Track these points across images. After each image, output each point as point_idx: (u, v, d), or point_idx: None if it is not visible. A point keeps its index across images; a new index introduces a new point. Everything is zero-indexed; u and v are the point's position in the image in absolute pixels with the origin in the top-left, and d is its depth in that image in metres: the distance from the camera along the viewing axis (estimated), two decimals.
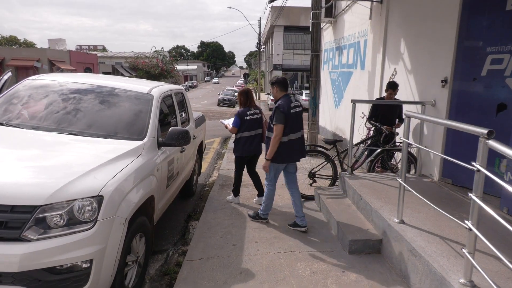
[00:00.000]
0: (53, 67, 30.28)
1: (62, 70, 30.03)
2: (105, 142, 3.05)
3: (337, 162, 5.10)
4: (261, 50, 45.06)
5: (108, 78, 4.29)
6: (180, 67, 75.38)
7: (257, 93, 38.46)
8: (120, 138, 3.18)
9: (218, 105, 30.35)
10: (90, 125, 3.26)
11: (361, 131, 6.17)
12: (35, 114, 3.34)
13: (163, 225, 4.49)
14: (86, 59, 35.07)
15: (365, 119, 5.80)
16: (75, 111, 3.38)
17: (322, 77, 11.10)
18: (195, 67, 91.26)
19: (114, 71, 42.13)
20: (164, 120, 3.96)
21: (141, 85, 3.98)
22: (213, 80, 68.10)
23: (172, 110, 4.20)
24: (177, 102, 4.36)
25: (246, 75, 36.74)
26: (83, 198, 2.34)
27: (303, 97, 25.99)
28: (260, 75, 42.78)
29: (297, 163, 4.05)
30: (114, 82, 3.89)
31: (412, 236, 3.06)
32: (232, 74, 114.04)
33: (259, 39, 38.78)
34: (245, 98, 4.60)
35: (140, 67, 44.89)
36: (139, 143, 3.15)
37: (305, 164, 5.10)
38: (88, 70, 31.74)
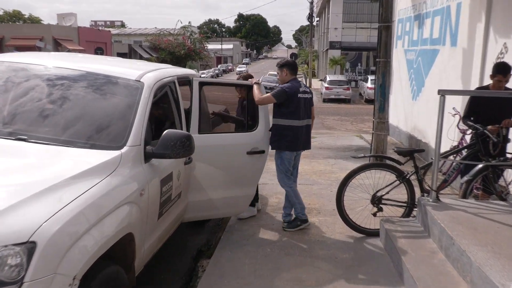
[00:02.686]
0: (58, 47, 31.61)
1: (69, 51, 31.30)
2: (58, 152, 2.75)
3: (415, 181, 4.69)
4: (314, 23, 44.47)
5: (86, 58, 4.16)
6: (212, 46, 76.62)
7: (308, 79, 38.02)
8: (86, 146, 2.88)
9: None
10: (39, 126, 3.01)
11: (452, 135, 5.69)
12: None
13: (161, 265, 4.28)
14: (98, 37, 36.42)
15: (457, 118, 5.53)
16: (18, 106, 3.15)
17: (395, 58, 10.85)
18: (230, 46, 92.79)
19: (131, 52, 43.44)
20: (160, 121, 3.82)
21: (130, 69, 3.79)
22: (237, 69, 62.12)
23: (174, 105, 3.94)
24: (176, 94, 4.06)
25: (293, 56, 36.36)
26: (4, 246, 1.93)
27: (369, 84, 25.59)
28: (311, 56, 42.28)
29: (357, 179, 4.57)
30: (90, 65, 3.68)
31: None
32: (273, 57, 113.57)
33: (311, 9, 38.37)
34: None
35: (163, 47, 46.00)
36: (113, 154, 2.84)
37: (366, 180, 4.75)
38: (99, 50, 32.83)
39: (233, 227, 4.89)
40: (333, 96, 26.45)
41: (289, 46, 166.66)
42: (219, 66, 67.11)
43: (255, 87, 4.63)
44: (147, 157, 3.08)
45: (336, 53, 37.97)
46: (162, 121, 4.00)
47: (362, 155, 4.77)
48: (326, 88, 26.76)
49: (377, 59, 7.94)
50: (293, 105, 4.59)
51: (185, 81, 4.74)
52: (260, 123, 4.54)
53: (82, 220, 2.27)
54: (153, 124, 3.76)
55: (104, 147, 2.88)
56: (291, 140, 4.62)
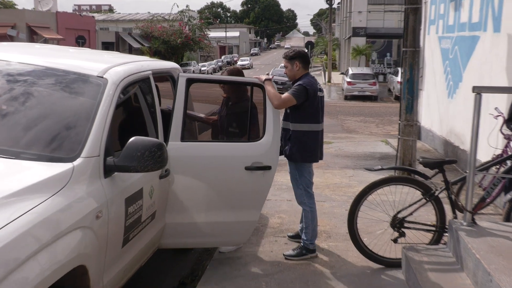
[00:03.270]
0: (33, 36, 31.92)
1: (46, 40, 31.57)
2: None
3: (445, 199, 4.57)
4: (334, 6, 44.43)
5: (44, 49, 4.22)
6: (214, 34, 77.02)
7: (327, 73, 37.95)
8: (29, 157, 2.82)
9: None
10: None
11: (495, 141, 5.56)
12: None
13: None
14: (79, 24, 36.80)
15: (501, 120, 5.46)
16: None
17: (427, 47, 10.88)
18: (236, 33, 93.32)
19: (119, 41, 43.85)
20: (130, 126, 3.79)
21: (95, 62, 3.79)
22: (239, 62, 58.28)
23: (147, 107, 3.90)
24: (151, 93, 4.01)
25: (309, 45, 36.24)
26: None
27: (399, 78, 25.42)
28: (331, 45, 42.23)
29: (374, 196, 4.55)
30: (45, 58, 3.66)
31: None
32: (286, 46, 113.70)
33: None
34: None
35: (156, 35, 46.35)
36: (63, 167, 2.78)
37: (385, 197, 4.66)
38: (81, 39, 33.08)
39: (223, 255, 4.82)
40: (356, 93, 26.41)
41: (305, 33, 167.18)
42: (222, 57, 67.35)
43: (269, 86, 4.41)
44: (108, 170, 3.02)
45: (360, 41, 37.85)
46: (132, 126, 3.93)
47: (379, 167, 4.62)
48: (348, 83, 26.71)
49: (403, 48, 7.86)
50: (313, 106, 4.59)
51: (166, 76, 4.68)
52: (267, 131, 4.25)
53: (14, 251, 2.19)
54: (119, 131, 3.68)
55: (52, 159, 2.82)
56: (313, 148, 4.65)
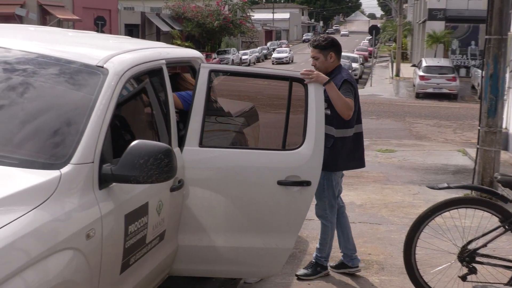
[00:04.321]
0: (45, 16, 32.91)
1: (59, 22, 32.49)
2: None
3: None
4: None
5: (40, 33, 4.37)
6: (259, 15, 77.49)
7: (395, 64, 37.52)
8: (7, 162, 2.85)
9: None
10: None
11: None
12: None
13: None
14: (99, 3, 37.86)
15: None
16: None
17: None
18: (286, 15, 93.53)
19: (145, 23, 44.70)
20: (135, 127, 3.85)
21: (97, 48, 3.88)
22: (274, 54, 54.81)
23: (158, 104, 3.92)
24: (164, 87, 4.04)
25: (373, 30, 35.81)
26: None
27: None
28: (401, 30, 41.74)
29: (439, 222, 4.54)
30: (40, 43, 3.77)
31: None
32: (346, 32, 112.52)
33: None
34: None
35: (189, 16, 47.07)
36: (48, 175, 2.81)
37: (451, 220, 4.63)
38: (100, 21, 33.92)
39: (249, 286, 4.84)
40: (430, 90, 26.20)
41: (371, 16, 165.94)
42: (268, 44, 67.60)
43: (335, 91, 4.49)
44: (104, 180, 3.03)
45: (437, 26, 37.35)
46: (138, 128, 3.99)
47: (445, 185, 4.52)
48: (421, 77, 26.48)
49: (486, 36, 7.79)
50: (357, 104, 4.80)
51: (186, 66, 4.71)
52: (308, 137, 4.17)
53: None
54: (122, 133, 3.73)
55: (36, 165, 2.85)
56: (360, 153, 4.99)
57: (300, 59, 53.28)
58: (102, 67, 3.37)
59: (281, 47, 62.45)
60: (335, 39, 4.96)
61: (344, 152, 4.76)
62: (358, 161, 5.00)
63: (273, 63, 48.53)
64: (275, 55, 53.58)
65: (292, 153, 4.17)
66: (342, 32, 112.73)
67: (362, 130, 4.94)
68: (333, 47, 4.78)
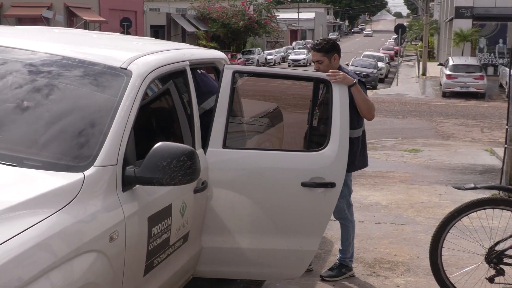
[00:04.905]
0: (72, 18, 33.32)
1: (86, 24, 32.87)
2: None
3: None
4: None
5: (64, 35, 4.37)
6: (284, 15, 77.43)
7: (421, 63, 37.17)
8: (31, 165, 2.87)
9: None
10: None
11: None
12: None
13: None
14: (125, 5, 38.20)
15: None
16: None
17: None
18: (311, 15, 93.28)
19: (170, 24, 44.95)
20: (158, 130, 3.91)
21: (121, 50, 3.88)
22: (291, 56, 52.96)
23: (182, 106, 3.92)
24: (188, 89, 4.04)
25: (399, 29, 35.50)
26: None
27: None
28: (427, 29, 41.34)
29: (466, 222, 4.46)
30: (63, 45, 3.79)
31: None
32: (368, 31, 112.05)
33: None
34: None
35: (214, 17, 47.22)
36: (71, 178, 2.81)
37: (477, 221, 4.56)
38: (126, 22, 34.17)
39: (274, 286, 4.82)
40: (457, 89, 25.97)
41: (397, 15, 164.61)
42: (294, 43, 67.44)
43: (360, 93, 4.55)
44: (127, 182, 3.03)
45: (464, 24, 36.86)
46: (162, 130, 3.99)
47: (472, 185, 4.45)
48: (448, 76, 26.25)
49: None
50: None
51: (210, 68, 4.72)
52: (333, 138, 4.14)
53: (1, 280, 2.21)
54: (146, 135, 3.74)
55: (59, 167, 2.86)
56: (362, 151, 4.97)
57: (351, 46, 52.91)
58: (126, 69, 3.38)
59: (306, 45, 62.13)
60: (336, 41, 5.04)
61: (358, 151, 4.82)
62: (366, 159, 5.07)
63: (289, 65, 46.82)
64: (291, 56, 52.33)
65: (316, 154, 4.15)
66: (365, 32, 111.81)
67: (365, 128, 4.98)
68: (336, 49, 4.81)
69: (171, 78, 3.86)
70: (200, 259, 4.07)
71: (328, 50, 4.74)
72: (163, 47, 4.27)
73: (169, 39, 39.91)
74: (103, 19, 34.21)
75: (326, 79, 4.25)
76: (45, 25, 27.02)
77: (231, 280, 5.08)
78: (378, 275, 4.97)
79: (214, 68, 4.67)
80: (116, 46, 4.16)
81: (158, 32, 42.45)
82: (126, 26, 33.02)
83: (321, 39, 5.00)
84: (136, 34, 34.76)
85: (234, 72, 4.16)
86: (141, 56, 3.59)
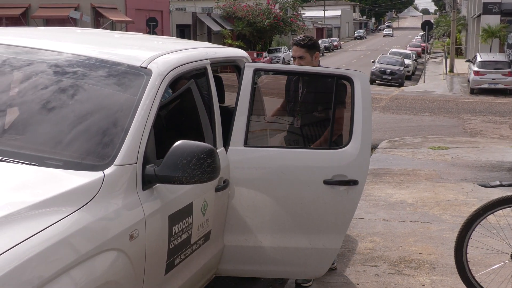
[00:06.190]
0: (98, 18, 33.64)
1: (112, 24, 33.16)
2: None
3: None
4: None
5: (83, 35, 4.40)
6: (310, 13, 77.14)
7: (448, 60, 36.72)
8: (51, 164, 2.87)
9: (372, 82, 30.60)
10: None
11: None
12: None
13: None
14: (151, 5, 38.38)
15: None
16: None
17: None
18: (337, 12, 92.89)
19: (196, 23, 45.05)
20: (178, 128, 3.92)
21: (140, 49, 3.91)
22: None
23: (202, 104, 3.91)
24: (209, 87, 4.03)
25: (426, 26, 35.17)
26: None
27: None
28: (455, 25, 40.83)
29: (492, 220, 4.35)
30: (82, 45, 3.82)
31: None
32: (388, 31, 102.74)
33: None
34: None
35: (240, 16, 47.20)
36: (92, 176, 2.81)
37: (504, 220, 4.50)
38: (152, 22, 34.39)
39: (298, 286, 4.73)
40: (485, 85, 25.71)
41: (424, 11, 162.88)
42: (320, 41, 66.93)
43: None
44: (147, 181, 3.03)
45: (493, 20, 36.42)
46: (183, 128, 3.99)
47: (498, 182, 4.36)
48: (476, 72, 25.98)
49: None
50: None
51: (231, 66, 4.71)
52: (355, 135, 4.11)
53: (24, 277, 2.22)
54: (166, 134, 3.74)
55: (79, 166, 2.86)
56: None
57: (350, 57, 52.71)
58: (146, 68, 3.38)
59: (332, 43, 62.04)
60: (314, 38, 5.09)
61: None
62: None
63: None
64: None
65: (338, 152, 4.11)
66: (385, 32, 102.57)
67: None
68: (317, 47, 4.90)
69: (192, 76, 3.85)
70: (223, 258, 4.06)
71: (311, 47, 4.81)
72: (184, 46, 4.27)
73: (195, 38, 40.08)
74: (130, 19, 34.43)
75: (348, 75, 4.21)
76: (72, 26, 27.34)
77: (255, 278, 5.06)
78: (403, 274, 4.89)
79: (235, 66, 4.65)
80: (137, 45, 4.17)
81: (184, 32, 42.60)
82: (152, 26, 33.25)
83: (304, 36, 5.05)
84: (162, 34, 34.96)
85: (255, 70, 4.16)
86: (161, 55, 3.58)
